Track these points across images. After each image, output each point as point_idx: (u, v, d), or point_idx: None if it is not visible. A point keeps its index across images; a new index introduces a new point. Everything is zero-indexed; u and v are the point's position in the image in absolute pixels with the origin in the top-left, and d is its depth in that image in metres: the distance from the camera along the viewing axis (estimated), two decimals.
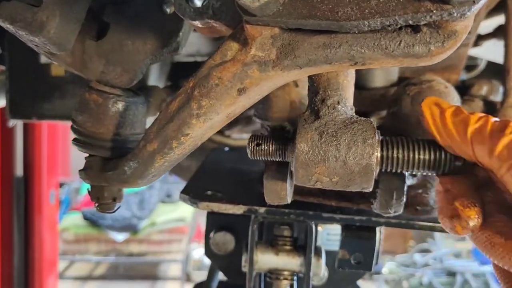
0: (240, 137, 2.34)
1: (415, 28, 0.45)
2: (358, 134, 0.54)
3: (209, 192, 0.88)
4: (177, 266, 5.07)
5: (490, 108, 1.00)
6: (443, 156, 0.53)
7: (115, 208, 0.63)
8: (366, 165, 0.53)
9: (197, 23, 0.55)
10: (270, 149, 0.59)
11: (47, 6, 0.52)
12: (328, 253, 0.91)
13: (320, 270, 0.85)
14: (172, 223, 4.93)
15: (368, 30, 0.44)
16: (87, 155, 0.63)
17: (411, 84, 0.73)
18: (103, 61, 0.62)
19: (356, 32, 0.45)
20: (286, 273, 0.86)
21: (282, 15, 0.44)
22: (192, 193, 0.87)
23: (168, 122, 0.52)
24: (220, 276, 1.29)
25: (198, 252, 5.34)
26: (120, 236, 4.71)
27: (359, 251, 0.82)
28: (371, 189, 0.56)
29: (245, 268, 0.87)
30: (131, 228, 4.73)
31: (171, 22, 0.61)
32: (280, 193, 0.64)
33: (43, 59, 1.37)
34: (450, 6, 0.40)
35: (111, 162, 0.59)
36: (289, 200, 0.66)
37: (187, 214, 5.01)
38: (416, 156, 0.54)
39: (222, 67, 0.49)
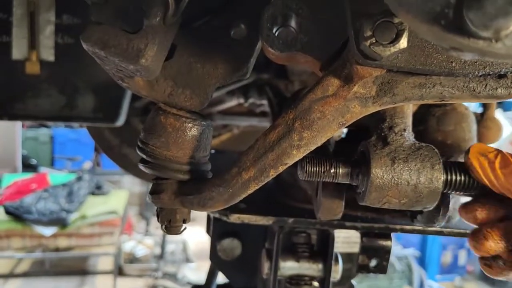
0: None
1: (501, 74, 0.52)
2: (426, 160, 0.59)
3: None
4: (108, 259, 4.93)
5: None
6: None
7: (182, 230, 0.64)
8: (435, 189, 0.59)
9: (282, 55, 0.57)
10: (327, 171, 0.63)
11: (145, 34, 0.52)
12: None
13: (338, 274, 0.91)
14: (104, 216, 4.77)
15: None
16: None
17: (435, 105, 0.81)
18: (171, 83, 0.62)
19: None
20: (306, 278, 0.91)
21: (401, 61, 0.48)
22: None
23: (267, 151, 0.54)
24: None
25: (130, 244, 5.23)
26: (47, 231, 4.47)
27: (377, 256, 0.89)
28: (432, 208, 0.62)
29: (267, 275, 0.91)
30: (59, 221, 4.51)
31: (242, 47, 0.63)
32: (336, 210, 0.69)
33: (15, 55, 1.29)
34: None
35: (190, 186, 0.60)
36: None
37: (119, 207, 4.87)
38: (470, 179, 0.61)
39: (324, 101, 0.53)
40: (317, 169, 0.62)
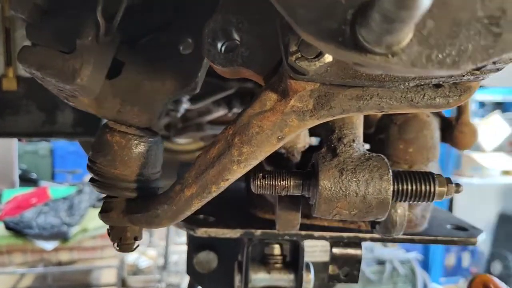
0: (183, 142, 2.35)
1: (437, 84, 0.51)
2: (375, 171, 0.59)
3: (201, 216, 0.89)
4: (111, 272, 4.93)
5: (446, 124, 1.10)
6: (437, 187, 0.61)
7: (135, 247, 0.64)
8: (383, 199, 0.58)
9: (225, 69, 0.57)
10: (278, 184, 0.62)
11: (80, 54, 0.52)
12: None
13: (310, 284, 0.90)
14: (105, 228, 4.73)
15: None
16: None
17: (397, 113, 0.80)
18: (119, 100, 0.62)
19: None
20: None
21: (330, 75, 0.47)
22: (185, 219, 0.88)
23: (208, 168, 0.54)
24: None
25: (133, 256, 5.23)
26: (48, 245, 4.47)
27: (347, 266, 0.89)
28: (383, 219, 0.62)
29: None
30: (60, 235, 4.51)
31: (189, 62, 0.63)
32: (293, 222, 0.68)
33: None
34: (479, 72, 0.46)
35: (137, 204, 0.60)
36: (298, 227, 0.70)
37: None
38: (421, 188, 0.61)
39: (262, 116, 0.52)
40: (268, 182, 0.61)
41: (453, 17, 0.33)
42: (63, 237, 4.49)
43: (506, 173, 4.98)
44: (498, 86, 4.49)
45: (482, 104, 5.57)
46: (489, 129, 4.82)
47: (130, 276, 5.02)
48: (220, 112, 1.84)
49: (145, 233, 5.91)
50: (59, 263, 4.71)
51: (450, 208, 5.06)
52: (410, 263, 4.45)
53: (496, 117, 4.85)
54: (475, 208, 5.11)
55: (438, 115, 1.10)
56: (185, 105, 1.56)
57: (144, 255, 5.35)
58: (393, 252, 4.49)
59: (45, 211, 4.62)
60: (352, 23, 0.32)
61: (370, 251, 4.45)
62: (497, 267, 5.25)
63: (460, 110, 1.08)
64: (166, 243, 5.17)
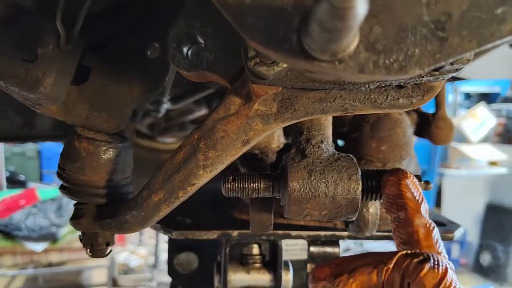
0: (169, 142, 2.35)
1: (400, 85, 0.52)
2: (343, 171, 0.59)
3: (178, 218, 0.89)
4: (102, 272, 4.91)
5: (423, 119, 1.11)
6: None
7: (108, 252, 0.64)
8: (353, 199, 0.59)
9: (191, 74, 0.57)
10: (248, 187, 0.62)
11: (42, 62, 0.52)
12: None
13: (289, 283, 0.91)
14: None
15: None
16: None
17: None
18: (87, 106, 0.62)
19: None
20: None
21: (291, 79, 0.48)
22: (162, 221, 0.88)
23: (174, 173, 0.54)
24: None
25: (123, 255, 5.22)
26: (38, 247, 4.45)
27: None
28: (354, 218, 0.62)
29: None
30: (49, 237, 4.50)
31: (157, 67, 0.63)
32: (266, 223, 0.69)
33: None
34: (438, 73, 0.47)
35: (107, 209, 0.60)
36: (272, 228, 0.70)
37: None
38: None
39: (227, 120, 0.53)
40: (238, 185, 0.61)
41: (400, 22, 0.33)
42: (52, 238, 4.47)
43: (492, 163, 5.02)
44: (484, 79, 4.53)
45: (467, 96, 5.61)
46: (475, 120, 4.86)
47: (121, 275, 5.01)
48: (202, 112, 1.84)
49: (135, 232, 5.93)
50: (50, 264, 4.70)
51: (438, 201, 5.10)
52: None
53: (482, 108, 4.89)
54: (463, 199, 5.15)
55: (416, 111, 1.11)
56: (165, 105, 1.55)
57: (134, 254, 5.34)
58: (383, 245, 4.52)
59: (33, 212, 4.59)
60: (298, 31, 0.32)
61: (359, 244, 4.48)
62: (486, 258, 5.30)
63: (437, 106, 1.09)
64: (156, 242, 5.16)
